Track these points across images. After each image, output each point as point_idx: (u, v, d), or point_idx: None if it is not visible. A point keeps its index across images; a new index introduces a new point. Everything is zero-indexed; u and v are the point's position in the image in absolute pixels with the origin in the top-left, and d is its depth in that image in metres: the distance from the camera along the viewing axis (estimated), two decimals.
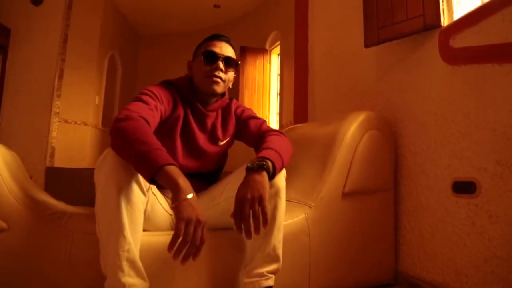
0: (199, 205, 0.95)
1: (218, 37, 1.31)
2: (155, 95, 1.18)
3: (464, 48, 1.35)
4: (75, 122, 4.53)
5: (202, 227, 0.93)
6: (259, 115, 5.79)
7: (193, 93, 1.31)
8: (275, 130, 1.31)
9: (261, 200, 0.99)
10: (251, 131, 1.33)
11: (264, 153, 1.11)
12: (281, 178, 1.14)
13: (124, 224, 0.96)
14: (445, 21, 1.47)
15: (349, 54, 2.16)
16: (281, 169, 1.14)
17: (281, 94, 5.02)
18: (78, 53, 4.36)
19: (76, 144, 4.46)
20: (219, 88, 1.28)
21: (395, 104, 1.72)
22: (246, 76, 5.38)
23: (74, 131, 4.47)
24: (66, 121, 4.35)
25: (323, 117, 2.42)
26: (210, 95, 1.31)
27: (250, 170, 1.05)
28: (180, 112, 1.27)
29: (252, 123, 1.35)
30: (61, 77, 3.70)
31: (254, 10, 5.83)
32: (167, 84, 1.29)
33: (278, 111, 5.37)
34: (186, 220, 0.90)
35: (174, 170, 0.94)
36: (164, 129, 1.23)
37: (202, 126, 1.31)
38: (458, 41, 1.37)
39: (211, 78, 1.26)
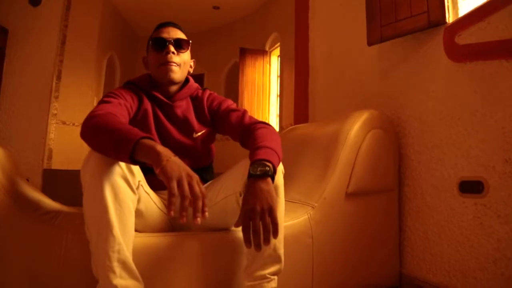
0: (184, 164, 0.92)
1: (164, 24, 1.31)
2: (117, 95, 1.20)
3: (470, 44, 1.32)
4: (73, 124, 4.48)
5: (197, 181, 0.89)
6: (258, 117, 5.77)
7: (154, 87, 1.30)
8: (260, 122, 1.25)
9: (271, 211, 0.94)
10: (233, 125, 1.28)
11: (261, 154, 1.03)
12: (279, 174, 1.09)
13: (113, 223, 0.92)
14: (450, 18, 1.45)
15: (350, 54, 2.14)
16: (278, 166, 1.08)
17: (281, 96, 5.00)
18: (77, 54, 4.32)
19: (73, 146, 4.37)
20: (176, 75, 1.27)
21: (398, 103, 1.69)
22: (246, 78, 5.36)
23: (72, 132, 4.41)
24: (64, 123, 4.31)
25: (323, 118, 2.38)
26: (170, 85, 1.29)
27: (254, 177, 0.98)
28: (147, 106, 1.26)
29: (233, 116, 1.29)
30: (59, 78, 3.66)
31: (254, 11, 5.82)
32: (128, 84, 1.30)
33: (278, 113, 5.34)
34: (176, 178, 0.86)
35: (150, 141, 0.92)
36: (136, 126, 1.19)
37: (171, 118, 1.29)
38: (464, 38, 1.34)
39: (165, 66, 1.25)
